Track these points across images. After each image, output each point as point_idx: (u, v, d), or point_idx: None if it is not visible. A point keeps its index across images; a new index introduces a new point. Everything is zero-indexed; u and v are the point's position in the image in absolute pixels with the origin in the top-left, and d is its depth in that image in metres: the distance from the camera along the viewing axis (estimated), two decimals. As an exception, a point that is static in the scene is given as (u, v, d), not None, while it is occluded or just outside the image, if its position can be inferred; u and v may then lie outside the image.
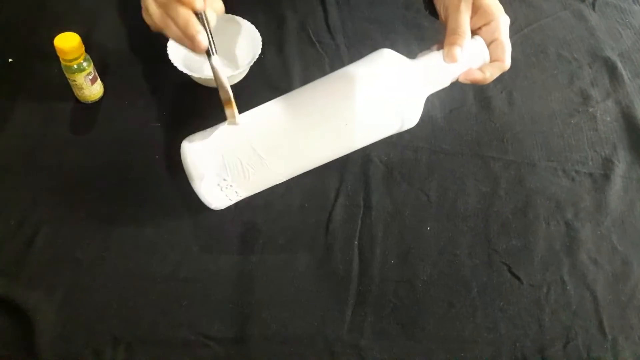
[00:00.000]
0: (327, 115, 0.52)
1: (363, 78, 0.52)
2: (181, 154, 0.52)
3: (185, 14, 0.46)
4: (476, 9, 0.51)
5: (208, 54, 0.49)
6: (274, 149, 0.51)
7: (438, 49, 0.53)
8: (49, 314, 0.50)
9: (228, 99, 0.49)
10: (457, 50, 0.50)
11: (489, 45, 0.52)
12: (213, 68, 0.49)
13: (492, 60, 0.52)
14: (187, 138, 0.52)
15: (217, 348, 0.50)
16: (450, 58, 0.50)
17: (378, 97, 0.52)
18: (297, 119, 0.52)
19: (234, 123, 0.51)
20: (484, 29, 0.52)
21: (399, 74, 0.52)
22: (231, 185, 0.51)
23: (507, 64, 0.52)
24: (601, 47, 0.77)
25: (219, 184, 0.51)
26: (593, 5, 0.83)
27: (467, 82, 0.52)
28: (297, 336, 0.51)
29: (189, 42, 0.47)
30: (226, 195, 0.52)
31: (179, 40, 0.49)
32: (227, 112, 0.50)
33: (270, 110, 0.53)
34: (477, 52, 0.52)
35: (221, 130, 0.51)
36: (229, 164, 0.50)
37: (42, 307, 0.50)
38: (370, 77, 0.52)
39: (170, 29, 0.48)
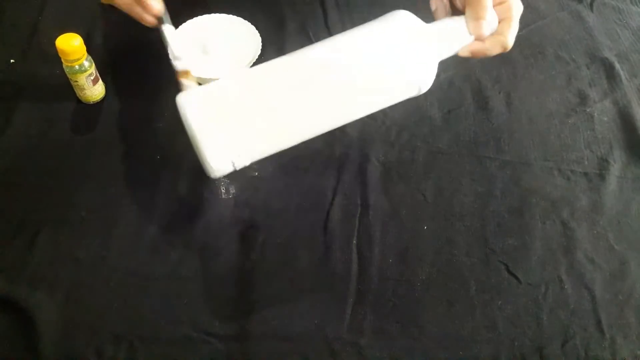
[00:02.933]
0: (340, 74, 0.50)
1: (378, 37, 0.51)
2: (185, 119, 0.48)
3: None
4: None
5: (160, 21, 0.47)
6: (286, 105, 0.49)
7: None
8: (50, 314, 0.50)
9: (185, 69, 0.48)
10: (483, 24, 0.50)
11: (498, 22, 0.52)
12: (164, 37, 0.48)
13: (495, 35, 0.52)
14: (187, 100, 0.48)
15: (218, 345, 0.50)
16: (477, 30, 0.50)
17: (393, 57, 0.51)
18: (309, 76, 0.50)
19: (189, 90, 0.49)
20: (497, 7, 0.52)
21: (415, 35, 0.51)
22: (239, 154, 0.48)
23: (509, 40, 0.51)
24: (599, 47, 0.77)
25: (227, 153, 0.48)
26: (591, 6, 0.83)
27: (468, 54, 0.52)
28: (297, 334, 0.51)
29: (140, 9, 0.46)
30: (232, 162, 0.49)
31: (128, 9, 0.47)
32: (184, 82, 0.49)
33: (282, 66, 0.51)
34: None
35: (227, 91, 0.48)
36: (239, 128, 0.47)
37: (43, 306, 0.51)
38: (385, 36, 0.51)
39: None
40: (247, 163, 0.50)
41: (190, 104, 0.48)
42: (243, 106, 0.48)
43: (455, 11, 0.54)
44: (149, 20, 0.47)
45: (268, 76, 0.50)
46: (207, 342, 0.50)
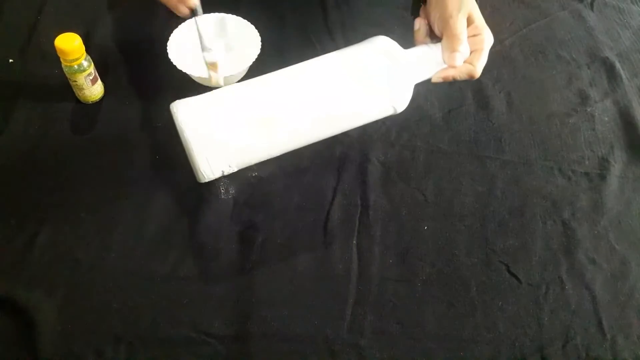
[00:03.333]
0: (320, 94, 0.54)
1: (357, 60, 0.56)
2: (179, 127, 0.52)
3: None
4: (470, 22, 0.56)
5: (194, 13, 0.49)
6: (267, 121, 0.53)
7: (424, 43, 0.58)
8: (49, 314, 0.50)
9: (213, 61, 0.51)
10: (457, 56, 0.54)
11: (470, 53, 0.56)
12: (198, 29, 0.50)
13: (466, 63, 0.56)
14: (179, 106, 0.52)
15: (218, 346, 0.50)
16: (451, 61, 0.54)
17: (371, 79, 0.55)
18: (290, 94, 0.54)
19: (219, 84, 0.52)
20: (470, 39, 0.56)
21: (393, 59, 0.55)
22: (230, 166, 0.53)
23: (477, 70, 0.56)
24: (599, 47, 0.77)
25: (216, 161, 0.52)
26: (591, 5, 0.83)
27: (439, 80, 0.56)
28: (297, 335, 0.51)
29: (176, 1, 0.47)
30: (221, 169, 0.54)
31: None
32: (212, 74, 0.52)
33: (271, 82, 0.55)
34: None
35: (218, 101, 0.53)
36: (228, 136, 0.52)
37: (43, 307, 0.51)
38: (364, 58, 0.56)
39: None
40: (235, 169, 0.54)
41: (184, 112, 0.52)
42: (233, 116, 0.52)
43: (433, 35, 0.58)
44: (184, 11, 0.48)
45: (258, 90, 0.55)
46: (207, 342, 0.50)
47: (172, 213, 0.57)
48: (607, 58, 0.76)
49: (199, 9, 0.49)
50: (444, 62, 0.55)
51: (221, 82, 0.52)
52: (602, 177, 0.64)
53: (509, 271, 0.56)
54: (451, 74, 0.56)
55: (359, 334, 0.52)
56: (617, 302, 0.55)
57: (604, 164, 0.65)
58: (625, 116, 0.70)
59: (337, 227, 0.58)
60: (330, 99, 0.55)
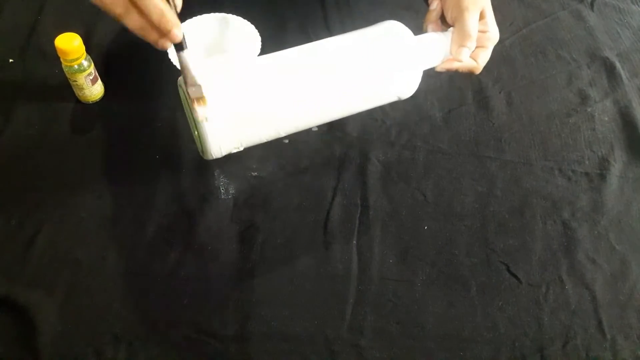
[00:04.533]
0: (330, 74, 0.55)
1: (368, 42, 0.57)
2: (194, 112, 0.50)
3: (158, 3, 0.41)
4: (480, 17, 0.57)
5: (179, 47, 0.44)
6: (277, 98, 0.54)
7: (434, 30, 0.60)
8: (49, 314, 0.50)
9: (200, 96, 0.47)
10: (465, 51, 0.56)
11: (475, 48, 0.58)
12: (183, 63, 0.46)
13: (470, 57, 0.58)
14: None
15: (218, 345, 0.50)
16: (458, 55, 0.56)
17: (381, 62, 0.56)
18: (300, 72, 0.55)
19: (205, 120, 0.49)
20: (478, 35, 0.57)
21: (404, 44, 0.57)
22: (241, 143, 0.54)
23: (480, 66, 0.58)
24: (600, 47, 0.77)
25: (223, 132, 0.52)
26: (591, 5, 0.83)
27: (443, 70, 0.58)
28: (297, 335, 0.51)
29: (157, 35, 0.42)
30: (229, 147, 0.54)
31: (140, 31, 0.43)
32: (198, 110, 0.47)
33: (280, 60, 0.55)
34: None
35: (228, 76, 0.52)
36: (238, 113, 0.52)
37: (43, 306, 0.51)
38: (375, 41, 0.57)
39: (131, 18, 0.42)
40: (241, 148, 0.55)
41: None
42: (243, 93, 0.52)
43: (443, 19, 0.60)
44: (166, 46, 0.44)
45: (267, 68, 0.55)
46: (207, 342, 0.50)
47: (172, 213, 0.57)
48: (607, 58, 0.76)
49: (185, 43, 0.44)
50: (451, 53, 0.57)
51: (207, 119, 0.48)
52: (602, 177, 0.64)
53: (509, 271, 0.56)
54: (455, 66, 0.57)
55: (359, 334, 0.52)
56: (617, 302, 0.55)
57: (604, 164, 0.65)
58: (625, 116, 0.70)
59: (337, 227, 0.58)
60: (340, 79, 0.56)
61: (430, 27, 0.61)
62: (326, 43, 0.57)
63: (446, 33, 0.58)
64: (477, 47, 0.57)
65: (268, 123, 0.55)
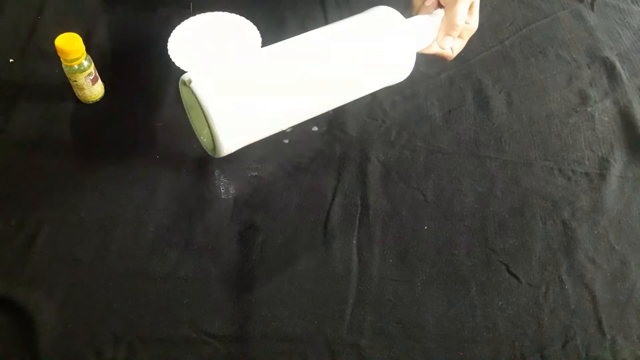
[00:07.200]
0: (327, 62, 0.57)
1: (361, 29, 0.59)
2: (199, 98, 0.51)
3: None
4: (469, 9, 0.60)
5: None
6: (285, 84, 0.55)
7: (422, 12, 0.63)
8: (49, 314, 0.50)
9: None
10: (449, 40, 0.60)
11: None
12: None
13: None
14: (193, 77, 0.52)
15: (218, 346, 0.50)
16: (442, 43, 0.61)
17: (374, 47, 0.59)
18: (299, 62, 0.56)
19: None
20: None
21: (395, 26, 0.59)
22: (245, 131, 0.55)
23: (454, 55, 0.63)
24: (600, 47, 0.77)
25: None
26: (592, 5, 0.83)
27: (422, 52, 0.62)
28: (297, 335, 0.51)
29: None
30: (241, 142, 0.55)
31: None
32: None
33: (283, 50, 0.57)
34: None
35: (231, 70, 0.54)
36: (245, 105, 0.53)
37: (43, 306, 0.51)
38: (367, 27, 0.59)
39: None
40: (251, 141, 0.57)
41: (200, 82, 0.52)
42: (248, 85, 0.54)
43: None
44: None
45: (271, 58, 0.57)
46: (207, 342, 0.50)
47: (172, 213, 0.57)
48: (607, 58, 0.75)
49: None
50: (437, 39, 0.61)
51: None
52: (602, 177, 0.64)
53: (509, 271, 0.56)
54: (434, 50, 0.62)
55: (359, 334, 0.52)
56: (617, 302, 0.55)
57: (604, 164, 0.65)
58: (625, 116, 0.70)
59: (337, 227, 0.58)
60: (337, 67, 0.57)
61: (417, 5, 0.64)
62: (320, 32, 0.59)
63: (434, 16, 0.61)
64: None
65: (273, 115, 0.56)
